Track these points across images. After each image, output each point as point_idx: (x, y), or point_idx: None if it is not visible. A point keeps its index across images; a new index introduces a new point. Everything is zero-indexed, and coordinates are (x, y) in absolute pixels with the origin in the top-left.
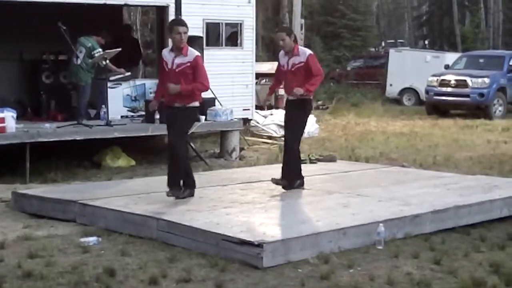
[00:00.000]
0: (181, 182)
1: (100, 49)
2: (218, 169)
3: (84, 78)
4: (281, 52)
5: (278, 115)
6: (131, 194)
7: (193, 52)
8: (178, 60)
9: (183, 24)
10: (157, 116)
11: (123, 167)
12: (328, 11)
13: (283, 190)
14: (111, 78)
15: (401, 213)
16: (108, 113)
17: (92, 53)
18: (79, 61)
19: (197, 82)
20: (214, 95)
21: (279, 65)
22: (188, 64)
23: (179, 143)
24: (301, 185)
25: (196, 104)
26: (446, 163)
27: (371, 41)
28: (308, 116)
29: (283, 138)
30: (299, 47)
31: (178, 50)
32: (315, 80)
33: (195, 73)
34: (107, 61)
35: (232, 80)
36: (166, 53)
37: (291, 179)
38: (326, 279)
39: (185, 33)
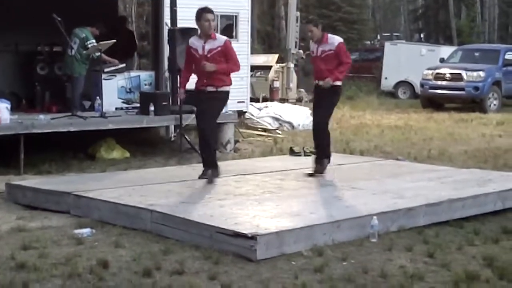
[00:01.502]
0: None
1: (94, 40)
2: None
3: (78, 70)
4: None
5: (273, 108)
6: (125, 186)
7: (221, 37)
8: (208, 46)
9: (211, 11)
10: (152, 108)
11: (118, 159)
12: (324, 4)
13: (277, 183)
14: (106, 70)
15: (395, 206)
16: (102, 104)
17: (86, 44)
18: (73, 52)
19: (230, 65)
20: None
21: (310, 51)
22: (219, 48)
23: (211, 126)
24: (329, 162)
25: (227, 88)
26: (440, 157)
27: (367, 34)
28: (338, 100)
29: (278, 131)
30: (329, 35)
31: (206, 36)
32: (343, 68)
33: (226, 56)
34: (101, 52)
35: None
36: (194, 41)
37: (322, 160)
38: (320, 271)
39: (213, 20)
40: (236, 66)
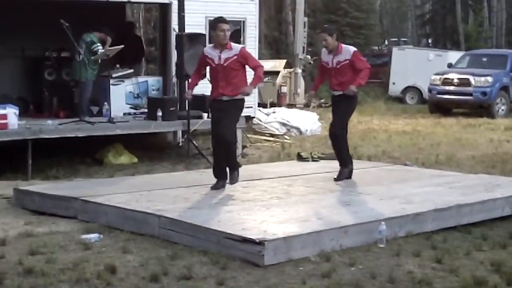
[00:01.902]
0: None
1: (99, 45)
2: None
3: (86, 75)
4: (324, 50)
5: (281, 113)
6: (133, 191)
7: (236, 46)
8: (224, 55)
9: (226, 21)
10: (159, 113)
11: (125, 164)
12: (331, 9)
13: (285, 188)
14: (114, 75)
15: (403, 212)
16: (110, 110)
17: (92, 47)
18: (80, 58)
19: (255, 68)
20: None
21: (322, 62)
22: (235, 57)
23: (231, 132)
24: (351, 165)
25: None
26: (448, 162)
27: (374, 40)
28: (355, 105)
29: (285, 136)
30: (343, 45)
31: (222, 46)
32: (364, 74)
33: (247, 63)
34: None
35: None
36: (210, 50)
37: (346, 163)
38: (328, 277)
39: (228, 30)
40: (260, 67)
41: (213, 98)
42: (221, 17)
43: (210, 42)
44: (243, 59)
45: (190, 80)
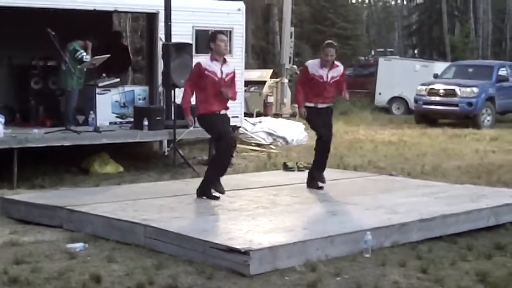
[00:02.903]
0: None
1: (82, 51)
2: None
3: (71, 84)
4: (314, 63)
5: (267, 123)
6: (119, 201)
7: (230, 62)
8: (225, 69)
9: (224, 32)
10: (146, 122)
11: (111, 173)
12: (318, 19)
13: (271, 198)
14: (100, 84)
15: (389, 222)
16: (96, 119)
17: (75, 55)
18: (65, 67)
19: (233, 95)
20: None
21: (311, 75)
22: (232, 74)
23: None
24: None
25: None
26: (434, 172)
27: (361, 50)
28: None
29: (271, 146)
30: (335, 61)
31: (221, 58)
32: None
33: (234, 83)
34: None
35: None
36: (210, 63)
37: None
38: (313, 287)
39: (227, 41)
40: (235, 95)
41: (213, 111)
42: (218, 30)
43: (196, 52)
44: (234, 78)
45: (186, 100)
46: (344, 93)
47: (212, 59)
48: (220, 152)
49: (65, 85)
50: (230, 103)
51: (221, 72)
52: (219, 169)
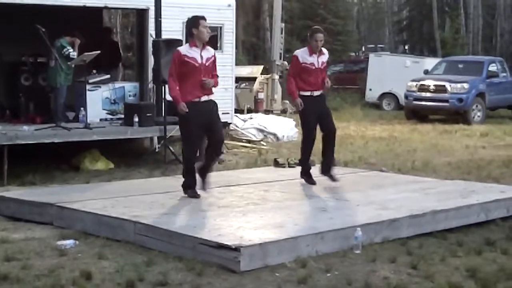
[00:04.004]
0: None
1: (70, 48)
2: None
3: (59, 80)
4: (303, 51)
5: (258, 119)
6: (109, 197)
7: (210, 47)
8: (205, 55)
9: (205, 18)
10: (136, 119)
11: (102, 170)
12: (309, 15)
13: (261, 194)
14: (90, 81)
15: (379, 218)
16: (87, 115)
17: (62, 52)
18: (53, 63)
19: (215, 77)
20: None
21: (302, 64)
22: (212, 58)
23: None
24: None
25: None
26: (424, 168)
27: (351, 46)
28: None
29: (262, 142)
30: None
31: (201, 44)
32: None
33: (215, 67)
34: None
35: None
36: (188, 50)
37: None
38: (304, 283)
39: (208, 27)
40: (217, 78)
41: (190, 100)
42: (200, 15)
43: None
44: (214, 62)
45: (173, 89)
46: (327, 81)
47: (192, 45)
48: (185, 157)
49: (54, 81)
50: (221, 100)
51: (201, 57)
52: (189, 173)
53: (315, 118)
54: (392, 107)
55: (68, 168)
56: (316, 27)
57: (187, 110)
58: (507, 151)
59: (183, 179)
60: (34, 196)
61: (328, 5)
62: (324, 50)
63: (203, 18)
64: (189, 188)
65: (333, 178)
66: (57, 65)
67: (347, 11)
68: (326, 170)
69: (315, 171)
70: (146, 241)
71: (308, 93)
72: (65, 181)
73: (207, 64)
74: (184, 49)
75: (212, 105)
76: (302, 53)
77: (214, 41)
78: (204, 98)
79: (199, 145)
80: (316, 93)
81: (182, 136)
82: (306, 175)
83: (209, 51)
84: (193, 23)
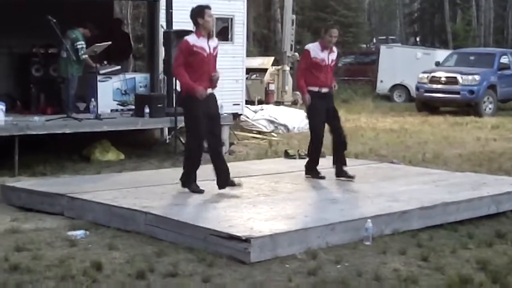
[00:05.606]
0: None
1: (83, 41)
2: (207, 163)
3: (71, 71)
4: (314, 46)
5: (268, 110)
6: (120, 188)
7: (214, 37)
8: (212, 44)
9: (210, 7)
10: (147, 110)
11: (112, 161)
12: (320, 7)
13: (272, 185)
14: (101, 72)
15: (389, 209)
16: (97, 106)
17: (75, 44)
18: (65, 54)
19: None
20: None
21: (313, 59)
22: (217, 48)
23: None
24: None
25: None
26: (435, 160)
27: (362, 38)
28: None
29: (273, 134)
30: None
31: (207, 34)
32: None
33: (216, 56)
34: (86, 55)
35: (223, 75)
36: (197, 39)
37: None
38: (314, 274)
39: (213, 17)
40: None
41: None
42: (205, 4)
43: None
44: (217, 53)
45: (183, 77)
46: (334, 84)
47: (199, 35)
48: (188, 148)
49: (65, 72)
50: (231, 91)
51: (209, 47)
52: (191, 163)
53: (322, 119)
54: (403, 99)
55: (79, 158)
56: (330, 24)
57: (206, 93)
58: None
59: (182, 172)
60: (45, 186)
61: None
62: (334, 48)
63: (208, 7)
64: (190, 183)
65: (347, 175)
66: (69, 55)
67: (358, 3)
68: (339, 173)
69: (327, 162)
70: (157, 231)
71: (316, 89)
72: (75, 172)
73: (214, 54)
74: (192, 38)
75: (215, 98)
76: (314, 48)
77: (225, 32)
78: (209, 90)
79: (204, 139)
80: (324, 89)
81: (188, 128)
82: (312, 171)
83: (214, 41)
84: (198, 12)
